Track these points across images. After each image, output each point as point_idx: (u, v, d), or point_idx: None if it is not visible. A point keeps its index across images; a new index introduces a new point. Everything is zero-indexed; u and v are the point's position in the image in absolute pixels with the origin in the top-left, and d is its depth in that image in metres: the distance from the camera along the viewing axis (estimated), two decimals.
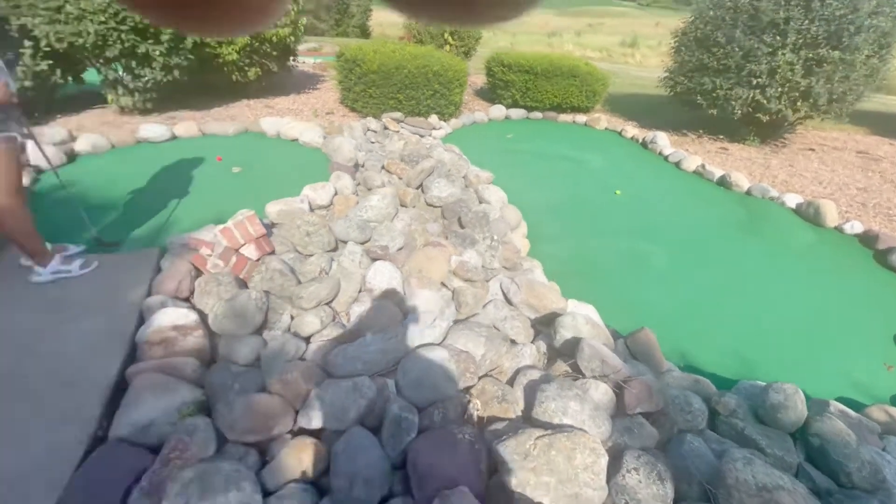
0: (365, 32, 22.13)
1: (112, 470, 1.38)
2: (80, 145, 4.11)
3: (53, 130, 4.08)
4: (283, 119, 4.87)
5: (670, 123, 7.30)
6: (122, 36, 4.47)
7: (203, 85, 6.01)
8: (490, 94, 7.87)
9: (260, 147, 4.48)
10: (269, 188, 3.52)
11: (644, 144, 6.38)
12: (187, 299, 2.23)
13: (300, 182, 3.63)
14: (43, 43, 4.34)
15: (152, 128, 4.58)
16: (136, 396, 1.58)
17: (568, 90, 7.14)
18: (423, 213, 3.47)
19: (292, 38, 6.25)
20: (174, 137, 4.64)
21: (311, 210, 3.12)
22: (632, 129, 6.73)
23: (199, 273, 2.40)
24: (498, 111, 7.37)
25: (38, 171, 3.66)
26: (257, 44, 5.81)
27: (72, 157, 4.01)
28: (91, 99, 5.52)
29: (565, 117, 7.35)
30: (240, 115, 5.76)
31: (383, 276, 2.51)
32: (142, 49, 4.63)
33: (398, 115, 6.20)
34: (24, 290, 2.16)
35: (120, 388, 1.71)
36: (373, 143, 5.27)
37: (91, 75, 5.21)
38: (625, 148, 6.26)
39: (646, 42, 28.43)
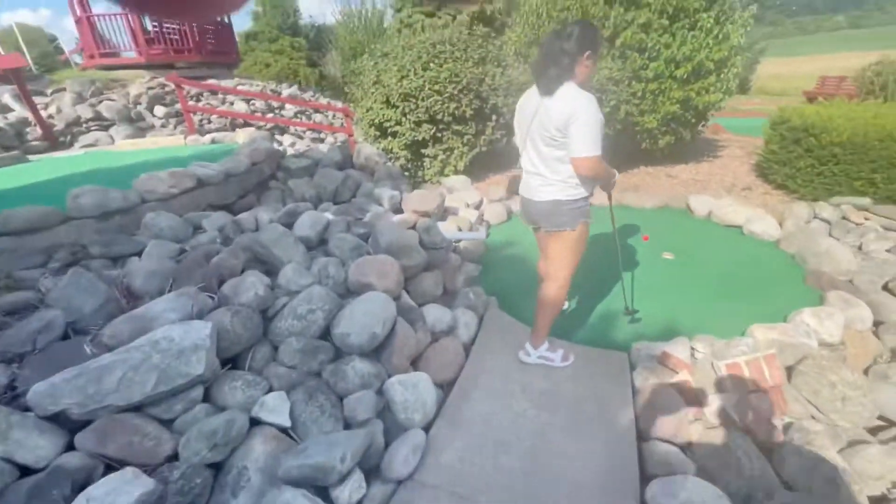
0: (744, 88, 19.60)
1: None
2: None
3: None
4: (722, 201, 4.13)
5: None
6: None
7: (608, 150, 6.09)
8: None
9: (689, 230, 3.92)
10: (723, 292, 2.85)
11: None
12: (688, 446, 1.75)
13: (765, 292, 2.80)
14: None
15: None
16: None
17: None
18: None
19: (720, 105, 5.54)
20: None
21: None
22: None
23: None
24: None
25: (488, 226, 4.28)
26: (680, 111, 5.39)
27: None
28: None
29: None
30: (643, 185, 5.48)
31: None
32: None
33: (865, 201, 4.50)
34: (514, 365, 2.21)
35: None
36: (833, 238, 3.89)
37: None
38: None
39: None
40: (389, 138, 5.62)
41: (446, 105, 5.08)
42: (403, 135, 5.40)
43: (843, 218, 4.33)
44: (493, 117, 5.40)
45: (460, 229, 3.79)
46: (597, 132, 1.77)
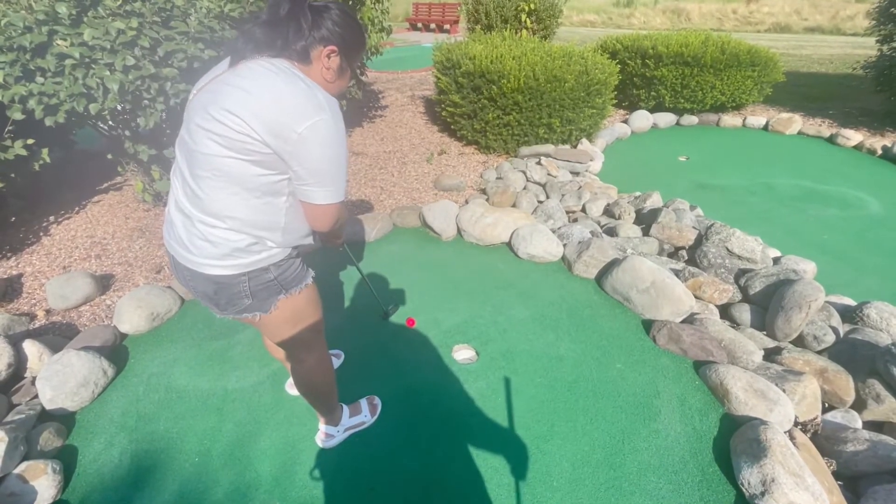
0: None
1: None
2: None
3: None
4: (468, 210, 2.82)
5: (875, 117, 5.53)
6: None
7: None
8: (618, 96, 5.92)
9: (445, 276, 2.50)
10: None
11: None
12: None
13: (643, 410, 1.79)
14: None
15: None
16: None
17: (742, 85, 5.29)
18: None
19: (381, 48, 4.20)
20: None
21: None
22: (852, 134, 4.92)
23: None
24: (642, 120, 5.49)
25: None
26: None
27: None
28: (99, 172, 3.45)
29: (731, 120, 5.52)
30: None
31: None
32: None
33: (548, 148, 4.29)
34: None
35: None
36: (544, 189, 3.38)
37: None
38: (870, 169, 4.44)
39: (639, 1, 26.16)
40: None
41: None
42: None
43: (550, 175, 4.04)
44: None
45: None
46: (345, 163, 1.02)
